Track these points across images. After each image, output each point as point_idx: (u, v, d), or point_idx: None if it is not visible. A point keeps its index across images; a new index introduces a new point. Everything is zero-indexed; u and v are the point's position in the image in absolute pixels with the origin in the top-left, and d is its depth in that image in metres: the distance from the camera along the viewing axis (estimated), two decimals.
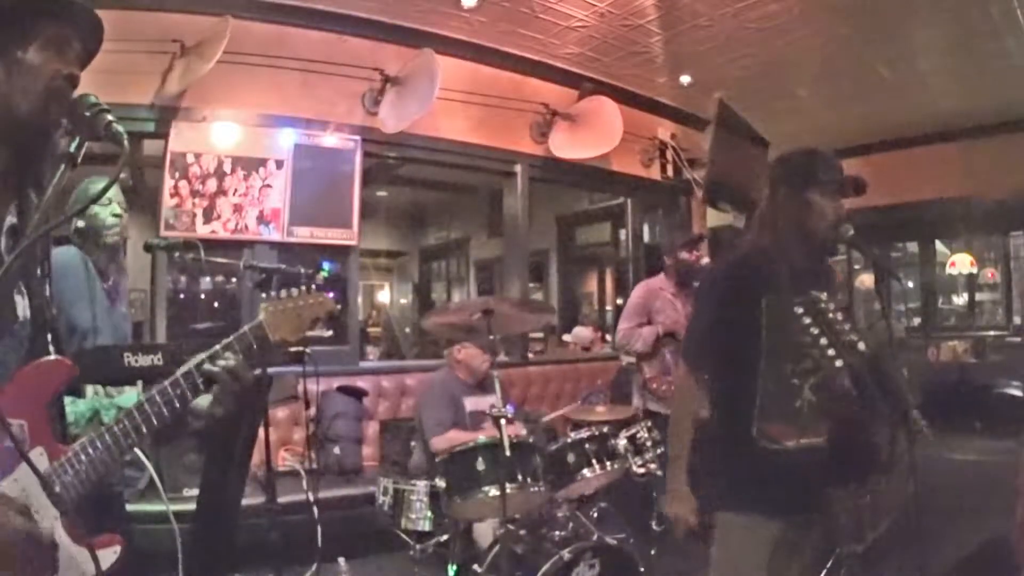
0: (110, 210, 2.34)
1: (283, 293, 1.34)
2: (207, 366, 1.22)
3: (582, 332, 6.61)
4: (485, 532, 2.89)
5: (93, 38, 1.13)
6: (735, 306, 1.94)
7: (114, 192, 2.35)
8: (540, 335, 6.61)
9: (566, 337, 6.60)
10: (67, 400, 1.25)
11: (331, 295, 1.41)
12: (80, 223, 2.26)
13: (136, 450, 2.29)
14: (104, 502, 1.99)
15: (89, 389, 1.70)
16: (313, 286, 1.39)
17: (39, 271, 1.17)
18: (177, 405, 1.18)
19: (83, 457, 1.10)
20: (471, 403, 3.41)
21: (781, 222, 1.96)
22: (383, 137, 4.77)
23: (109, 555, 1.09)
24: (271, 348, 1.33)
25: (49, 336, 1.15)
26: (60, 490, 1.06)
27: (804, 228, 1.94)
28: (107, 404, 1.75)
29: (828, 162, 1.99)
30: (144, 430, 1.15)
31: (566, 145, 5.46)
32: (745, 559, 1.92)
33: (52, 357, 1.13)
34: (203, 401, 1.26)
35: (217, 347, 1.24)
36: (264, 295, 1.34)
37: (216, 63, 3.99)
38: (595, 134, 5.42)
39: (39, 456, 1.06)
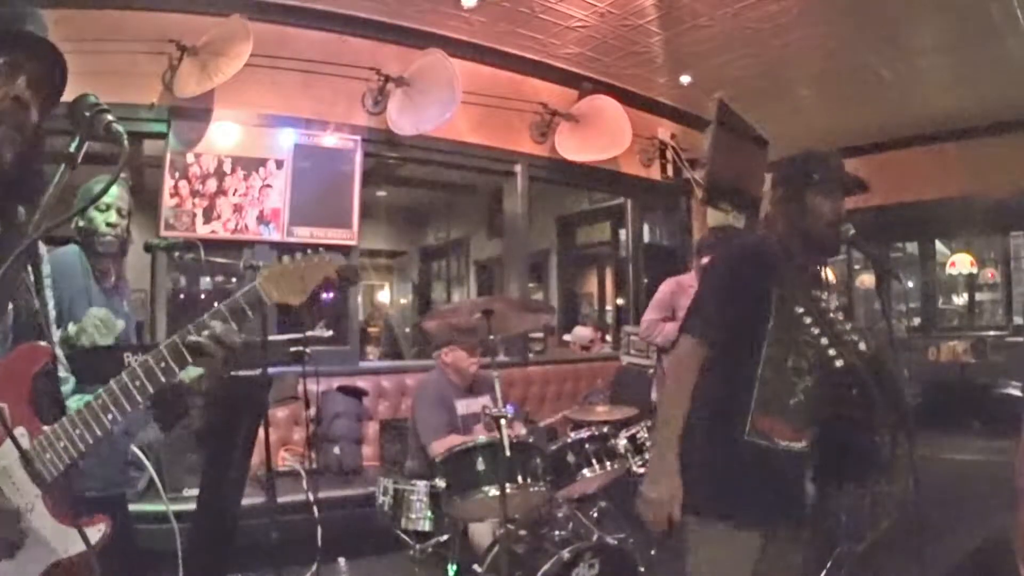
0: (104, 218, 2.26)
1: (284, 258, 1.33)
2: (191, 336, 1.21)
3: (582, 332, 6.62)
4: (483, 532, 2.89)
5: (49, 65, 1.13)
6: (746, 286, 1.88)
7: (115, 197, 2.28)
8: (540, 335, 6.60)
9: (566, 337, 6.60)
10: (75, 398, 1.25)
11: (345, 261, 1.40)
12: (81, 222, 2.25)
13: (136, 450, 2.30)
14: (106, 506, 2.00)
15: None
16: (320, 249, 1.38)
17: (27, 270, 1.19)
18: (162, 377, 1.17)
19: (62, 433, 1.10)
20: (462, 406, 3.40)
21: (782, 224, 1.97)
22: (383, 137, 4.77)
23: (94, 533, 1.11)
24: (268, 311, 1.31)
25: (36, 333, 1.17)
26: (40, 467, 1.07)
27: (804, 229, 1.93)
28: None
29: (825, 162, 1.98)
30: (126, 404, 1.14)
31: (573, 147, 5.46)
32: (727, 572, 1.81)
33: (30, 343, 1.14)
34: (193, 372, 1.26)
35: (205, 316, 1.23)
36: (263, 263, 1.33)
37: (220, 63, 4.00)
38: (604, 136, 5.42)
39: (20, 436, 1.07)
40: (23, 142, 1.10)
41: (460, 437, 3.19)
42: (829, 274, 2.16)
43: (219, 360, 1.23)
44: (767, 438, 1.81)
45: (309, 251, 1.36)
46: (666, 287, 4.15)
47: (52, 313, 1.25)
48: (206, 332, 1.21)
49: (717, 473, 1.80)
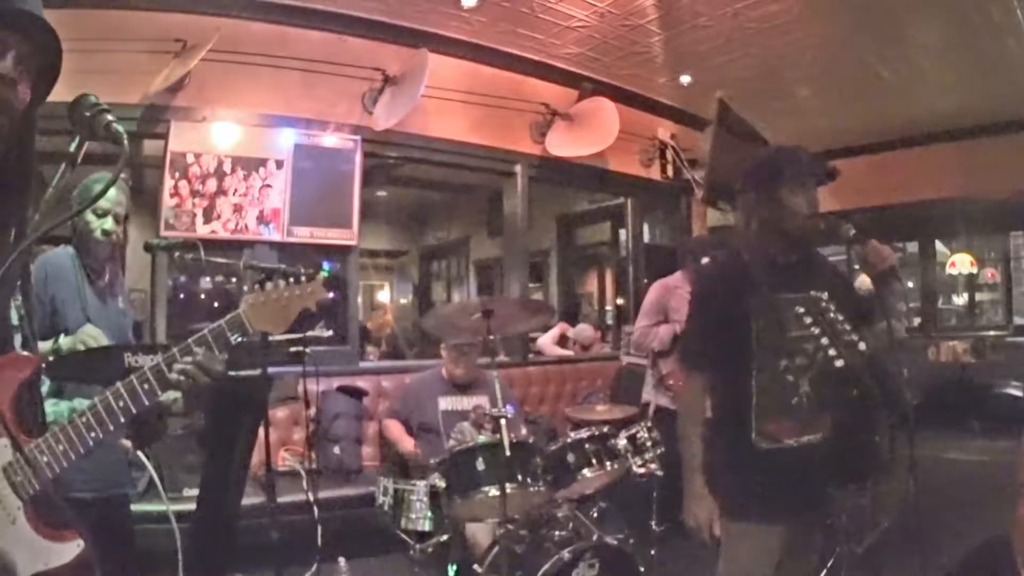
0: (100, 224, 2.19)
1: (268, 286, 1.35)
2: (176, 361, 1.22)
3: (585, 330, 6.64)
4: (483, 532, 2.89)
5: (41, 44, 1.08)
6: (724, 306, 1.98)
7: (112, 202, 2.23)
8: (540, 335, 6.60)
9: (568, 333, 6.60)
10: (50, 402, 1.25)
11: (330, 295, 1.42)
12: (75, 221, 2.21)
13: (136, 450, 2.28)
14: (108, 505, 2.00)
15: None
16: (303, 278, 1.40)
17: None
18: (144, 399, 1.19)
19: (46, 449, 1.10)
20: (447, 402, 3.46)
21: (756, 223, 2.01)
22: (383, 137, 4.77)
23: (72, 548, 1.10)
24: (252, 338, 1.33)
25: (19, 338, 1.15)
26: (24, 480, 1.07)
27: (779, 226, 1.97)
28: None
29: (791, 156, 2.02)
30: (109, 423, 1.15)
31: (562, 144, 5.46)
32: (751, 570, 1.91)
33: (16, 353, 1.13)
34: (171, 394, 1.27)
35: (189, 341, 1.25)
36: (245, 287, 1.35)
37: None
38: (591, 132, 5.42)
39: (3, 447, 1.06)
40: (9, 121, 1.06)
41: (399, 432, 3.54)
42: (826, 264, 2.19)
43: (198, 386, 1.25)
44: (774, 439, 1.89)
45: (292, 280, 1.38)
46: (653, 292, 4.16)
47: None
48: (189, 358, 1.23)
49: (734, 477, 1.94)
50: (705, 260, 3.99)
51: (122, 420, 1.17)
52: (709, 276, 2.28)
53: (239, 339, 1.30)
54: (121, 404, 1.17)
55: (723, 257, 2.18)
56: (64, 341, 1.92)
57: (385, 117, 4.62)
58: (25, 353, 1.14)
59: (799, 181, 1.96)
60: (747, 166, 2.15)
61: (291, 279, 1.38)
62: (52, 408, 1.22)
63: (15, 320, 1.16)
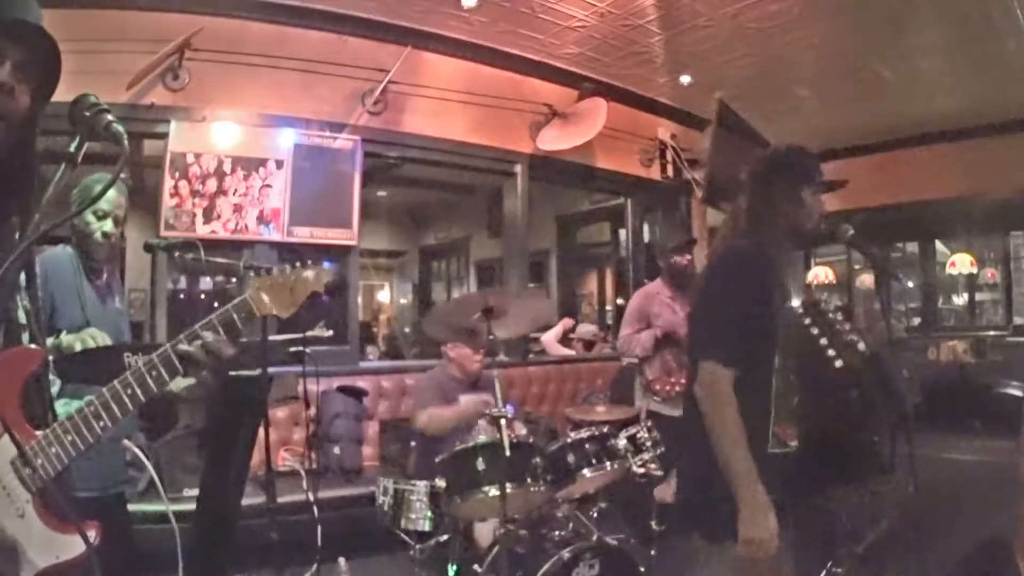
0: (101, 226, 2.21)
1: (274, 270, 1.34)
2: (183, 346, 1.22)
3: (587, 327, 6.67)
4: (485, 532, 2.89)
5: (40, 51, 1.08)
6: (758, 300, 1.80)
7: (112, 205, 2.23)
8: (541, 333, 6.61)
9: (571, 334, 6.61)
10: (60, 402, 1.25)
11: (327, 265, 1.42)
12: (75, 222, 2.22)
13: (136, 450, 2.29)
14: (106, 504, 2.00)
15: None
16: (308, 260, 1.39)
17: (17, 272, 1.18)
18: (153, 387, 1.18)
19: (54, 439, 1.10)
20: (465, 401, 3.43)
21: (778, 218, 1.93)
22: (383, 137, 4.77)
23: (83, 541, 1.09)
24: (259, 323, 1.32)
25: (27, 336, 1.15)
26: (31, 472, 1.06)
27: (797, 224, 1.94)
28: None
29: (816, 161, 2.02)
30: (117, 412, 1.14)
31: (549, 140, 5.47)
32: None
33: (21, 346, 1.13)
34: (182, 382, 1.26)
35: (196, 327, 1.24)
36: (253, 273, 1.34)
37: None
38: (577, 127, 5.44)
39: (9, 443, 1.05)
40: (8, 129, 1.06)
41: (441, 408, 3.27)
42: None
43: (210, 371, 1.24)
44: (785, 445, 1.80)
45: (298, 264, 1.38)
46: (635, 300, 4.18)
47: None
48: (197, 343, 1.22)
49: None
50: (677, 259, 3.99)
51: (131, 408, 1.15)
52: (741, 262, 1.90)
53: (246, 322, 1.29)
54: (130, 392, 1.16)
55: (749, 246, 1.92)
56: (65, 338, 1.92)
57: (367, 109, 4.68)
58: (32, 346, 1.14)
59: (820, 185, 1.96)
60: (770, 158, 2.09)
61: (296, 263, 1.38)
62: (63, 408, 1.21)
63: (22, 319, 1.16)
